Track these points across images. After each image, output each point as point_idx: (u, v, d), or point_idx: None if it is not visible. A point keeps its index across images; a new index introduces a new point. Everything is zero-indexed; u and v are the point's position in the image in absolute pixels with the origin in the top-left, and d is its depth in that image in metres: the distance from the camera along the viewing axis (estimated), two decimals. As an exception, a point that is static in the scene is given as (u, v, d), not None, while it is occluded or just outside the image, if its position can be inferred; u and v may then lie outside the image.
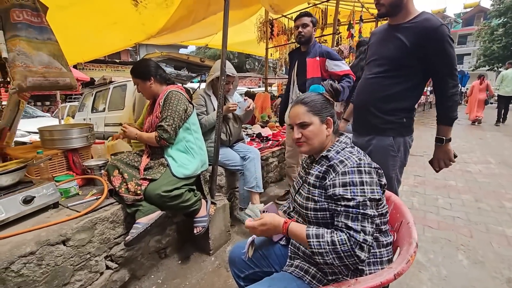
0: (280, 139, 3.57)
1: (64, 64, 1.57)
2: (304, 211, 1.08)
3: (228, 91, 2.48)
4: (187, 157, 1.89)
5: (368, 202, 0.92)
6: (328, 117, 1.12)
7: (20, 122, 2.13)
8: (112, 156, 2.03)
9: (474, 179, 3.62)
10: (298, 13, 2.57)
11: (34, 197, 1.46)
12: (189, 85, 5.69)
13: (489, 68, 20.14)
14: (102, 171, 1.90)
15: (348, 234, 0.89)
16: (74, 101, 9.77)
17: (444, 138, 1.52)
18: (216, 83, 2.43)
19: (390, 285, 1.70)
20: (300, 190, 1.17)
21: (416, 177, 3.70)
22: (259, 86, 18.79)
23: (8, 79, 1.98)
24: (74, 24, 3.04)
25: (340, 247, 0.87)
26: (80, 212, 1.51)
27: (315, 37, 2.57)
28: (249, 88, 13.61)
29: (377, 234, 1.04)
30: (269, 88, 5.73)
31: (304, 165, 1.28)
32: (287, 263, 1.18)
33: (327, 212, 1.01)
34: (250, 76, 19.77)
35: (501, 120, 8.49)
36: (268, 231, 1.08)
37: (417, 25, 1.40)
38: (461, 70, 18.60)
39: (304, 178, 1.19)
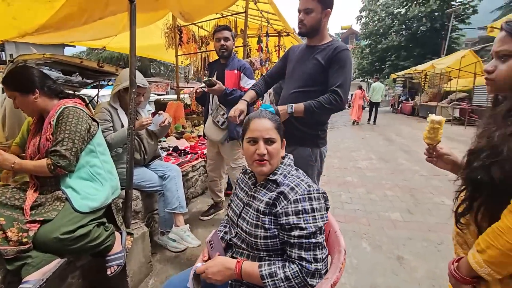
0: (199, 151, 3.43)
1: None
2: (253, 239, 1.03)
3: (139, 104, 2.22)
4: (93, 185, 1.56)
5: (318, 230, 0.95)
6: (284, 139, 1.14)
7: None
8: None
9: (364, 174, 4.38)
10: (209, 22, 2.55)
11: None
12: (83, 92, 4.85)
13: (362, 79, 25.08)
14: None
15: (300, 266, 0.91)
16: None
17: (293, 113, 1.61)
18: (123, 94, 2.13)
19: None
20: (243, 215, 1.12)
21: (322, 177, 4.18)
22: (167, 92, 17.81)
23: None
24: None
25: (294, 280, 0.90)
26: None
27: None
28: (158, 95, 12.71)
29: None
30: (181, 96, 5.46)
31: (243, 186, 1.23)
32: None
33: (278, 239, 1.00)
34: (156, 82, 18.51)
35: (372, 119, 11.32)
36: (219, 273, 0.99)
37: (331, 48, 1.61)
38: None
39: (246, 201, 1.14)
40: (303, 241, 0.93)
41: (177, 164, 2.75)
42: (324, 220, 0.98)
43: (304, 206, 0.96)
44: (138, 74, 2.03)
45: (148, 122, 2.07)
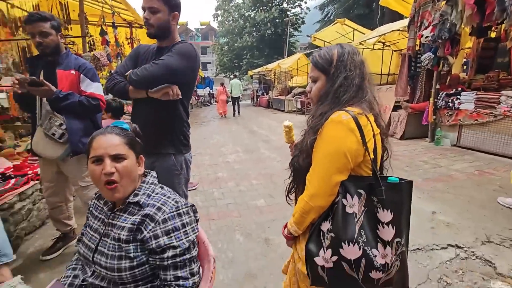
0: (30, 172, 2.62)
1: None
2: (117, 273, 0.90)
3: None
4: None
5: (191, 244, 0.94)
6: (141, 155, 1.04)
7: None
8: None
9: (232, 167, 4.67)
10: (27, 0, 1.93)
11: None
12: None
13: (224, 75, 26.64)
14: None
15: (177, 286, 0.89)
16: None
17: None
18: None
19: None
20: (101, 248, 0.95)
21: (194, 177, 4.16)
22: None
23: None
24: None
25: None
26: None
27: (64, 44, 2.07)
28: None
29: None
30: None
31: (97, 213, 1.04)
32: None
33: (146, 266, 0.92)
34: None
35: (236, 113, 12.68)
36: None
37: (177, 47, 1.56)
38: (207, 76, 23.25)
39: (103, 232, 0.98)
40: (177, 259, 0.90)
41: (-8, 196, 1.99)
42: (195, 232, 0.98)
43: (174, 224, 0.92)
44: None
45: None
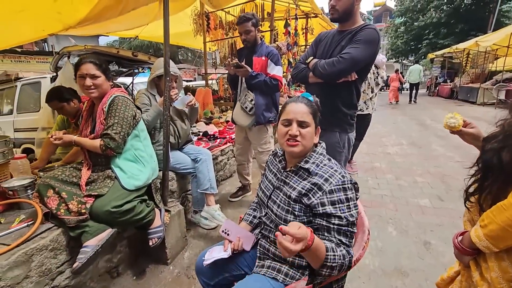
0: (227, 136, 3.57)
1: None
2: (283, 222, 1.08)
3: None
4: (137, 166, 1.75)
5: (355, 220, 0.99)
6: (318, 126, 1.15)
7: None
8: (42, 173, 1.74)
9: (393, 159, 4.27)
10: (236, 7, 2.56)
11: None
12: (119, 80, 5.16)
13: (395, 60, 23.56)
14: (30, 192, 1.63)
15: (346, 250, 0.95)
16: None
17: None
18: (158, 83, 2.28)
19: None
20: (273, 197, 1.17)
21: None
22: (195, 79, 18.16)
23: None
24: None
25: (345, 261, 0.93)
26: (10, 245, 1.28)
27: (261, 38, 2.61)
28: (186, 81, 13.04)
29: None
30: (209, 82, 5.60)
31: (273, 168, 1.27)
32: (257, 263, 1.21)
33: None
34: (184, 68, 18.91)
35: (412, 100, 12.06)
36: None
37: (357, 29, 1.61)
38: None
39: (277, 185, 1.19)
40: (342, 228, 0.97)
41: (207, 148, 2.90)
42: (357, 209, 1.02)
43: (339, 196, 0.99)
44: (171, 63, 2.15)
45: (176, 93, 2.16)
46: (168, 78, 1.99)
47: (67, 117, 2.64)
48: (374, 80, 3.42)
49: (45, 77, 4.13)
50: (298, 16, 4.63)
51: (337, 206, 0.99)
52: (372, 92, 3.45)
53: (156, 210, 1.91)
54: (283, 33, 4.43)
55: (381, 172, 3.74)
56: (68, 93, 2.54)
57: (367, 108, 3.51)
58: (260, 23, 4.80)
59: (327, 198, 1.00)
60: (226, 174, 3.56)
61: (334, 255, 0.92)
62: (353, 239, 1.02)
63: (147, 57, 3.97)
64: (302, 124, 1.08)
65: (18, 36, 3.34)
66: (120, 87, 1.82)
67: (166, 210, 2.01)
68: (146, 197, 1.84)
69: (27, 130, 4.20)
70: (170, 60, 2.14)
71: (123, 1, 3.00)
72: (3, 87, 4.77)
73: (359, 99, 1.78)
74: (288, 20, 4.30)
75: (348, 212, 0.99)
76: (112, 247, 1.82)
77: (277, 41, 4.41)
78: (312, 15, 5.79)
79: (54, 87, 2.74)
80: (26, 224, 1.45)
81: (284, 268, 1.11)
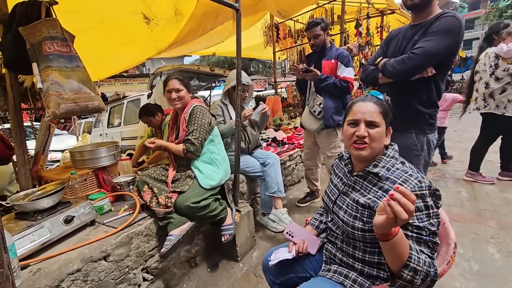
0: (296, 142, 3.60)
1: (92, 88, 1.66)
2: (350, 229, 1.02)
3: (244, 99, 2.53)
4: (213, 168, 1.94)
5: (436, 230, 0.87)
6: (390, 127, 1.05)
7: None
8: (140, 172, 2.11)
9: (497, 168, 3.54)
10: (304, 15, 2.60)
11: (74, 216, 1.54)
12: (199, 93, 5.79)
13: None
14: (131, 187, 1.98)
15: (429, 259, 0.83)
16: (88, 118, 10.05)
17: None
18: (232, 93, 2.49)
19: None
20: (339, 203, 1.12)
21: (435, 171, 3.65)
22: (265, 88, 18.82)
23: (38, 106, 2.11)
24: (89, 46, 3.16)
25: (430, 270, 0.82)
26: (116, 228, 1.58)
27: (330, 41, 2.60)
28: (257, 91, 13.68)
29: None
30: (278, 90, 5.75)
31: (338, 172, 1.21)
32: (323, 267, 1.19)
33: None
34: (255, 79, 19.84)
35: None
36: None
37: (432, 19, 1.45)
38: (471, 56, 18.22)
39: (342, 189, 1.13)
40: (423, 237, 0.85)
41: (276, 153, 2.99)
42: (438, 219, 0.89)
43: (416, 204, 0.85)
44: (243, 74, 2.33)
45: (250, 112, 2.35)
46: (240, 88, 2.16)
47: (154, 128, 3.15)
48: (491, 73, 2.89)
49: (143, 94, 4.96)
50: (370, 15, 4.36)
51: (414, 214, 0.84)
52: (486, 88, 2.94)
53: (228, 209, 2.06)
54: (354, 34, 4.24)
55: (479, 183, 3.15)
56: (154, 109, 3.03)
57: (485, 106, 3.00)
58: (330, 26, 4.76)
59: None
60: (294, 180, 3.57)
61: (419, 257, 0.80)
62: (436, 252, 0.90)
63: (222, 71, 4.37)
64: (371, 125, 0.99)
65: (125, 62, 4.15)
66: (199, 98, 2.06)
67: (237, 210, 2.16)
68: (219, 196, 2.01)
69: (130, 139, 5.09)
70: (242, 71, 2.32)
71: (203, 24, 3.41)
72: (114, 105, 5.91)
73: (441, 96, 1.57)
74: (360, 20, 4.11)
75: (427, 221, 0.86)
76: (191, 239, 2.05)
77: (348, 43, 4.25)
78: (388, 11, 5.37)
79: (144, 104, 3.30)
80: (128, 213, 1.78)
81: (352, 274, 1.06)
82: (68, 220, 1.51)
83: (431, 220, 0.87)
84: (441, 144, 3.95)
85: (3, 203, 1.48)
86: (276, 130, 4.27)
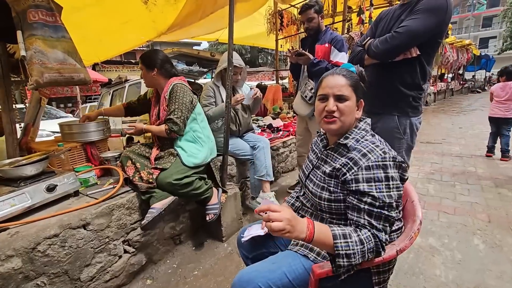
0: (291, 129, 3.57)
1: (78, 60, 1.66)
2: (318, 200, 1.04)
3: (237, 82, 2.52)
4: (196, 146, 1.94)
5: (394, 203, 0.88)
6: (361, 99, 1.05)
7: (45, 122, 2.29)
8: (126, 148, 2.13)
9: (495, 164, 3.47)
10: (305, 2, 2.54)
11: (57, 185, 1.57)
12: (201, 81, 5.77)
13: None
14: (118, 162, 2.00)
15: (371, 232, 0.86)
16: (94, 102, 10.17)
17: None
18: (224, 75, 2.47)
19: (401, 268, 1.71)
20: (311, 176, 1.13)
21: (433, 164, 3.59)
22: (272, 80, 18.71)
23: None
24: (88, 25, 3.16)
25: (367, 245, 0.84)
26: (98, 199, 1.61)
27: (326, 25, 2.54)
28: (261, 82, 13.60)
29: None
30: (280, 81, 5.70)
31: (315, 148, 1.22)
32: (292, 242, 1.20)
33: (342, 204, 0.97)
34: (263, 71, 19.70)
35: None
36: (287, 231, 0.80)
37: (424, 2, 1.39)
38: (485, 54, 17.67)
39: (315, 163, 1.14)
40: (374, 210, 0.87)
41: (269, 139, 2.97)
42: (399, 191, 0.90)
43: (377, 174, 0.88)
44: (235, 55, 2.31)
45: (242, 97, 2.34)
46: (230, 68, 2.14)
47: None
48: None
49: (144, 78, 4.97)
50: (376, 5, 4.25)
51: (372, 184, 0.88)
52: None
53: (214, 189, 2.07)
54: (356, 23, 4.14)
55: (475, 178, 3.10)
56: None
57: None
58: (333, 14, 4.65)
59: (362, 174, 0.90)
60: (288, 167, 3.56)
61: (347, 242, 0.84)
62: (390, 224, 0.90)
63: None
64: (339, 99, 0.99)
65: (125, 43, 4.14)
66: (180, 76, 2.02)
67: (224, 191, 2.17)
68: (205, 175, 2.02)
69: (130, 122, 5.13)
70: (235, 53, 2.29)
71: (202, 6, 3.36)
72: (116, 88, 5.95)
73: (426, 78, 1.53)
74: (363, 8, 4.00)
75: (386, 192, 0.87)
76: (176, 216, 2.07)
77: (350, 31, 4.16)
78: (397, 1, 5.22)
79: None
80: (112, 186, 1.80)
81: (317, 247, 1.07)
82: (50, 188, 1.53)
83: (391, 192, 0.88)
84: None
85: (-13, 169, 1.51)
86: (274, 119, 4.24)
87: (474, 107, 9.59)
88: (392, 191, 0.88)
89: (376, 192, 0.87)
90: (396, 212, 0.91)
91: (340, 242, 0.84)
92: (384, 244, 0.87)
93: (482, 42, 29.54)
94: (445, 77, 14.04)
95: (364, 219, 0.88)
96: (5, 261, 1.20)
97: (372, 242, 0.85)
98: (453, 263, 1.77)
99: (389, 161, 0.90)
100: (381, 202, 0.87)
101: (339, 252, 0.83)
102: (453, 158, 3.85)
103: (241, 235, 1.32)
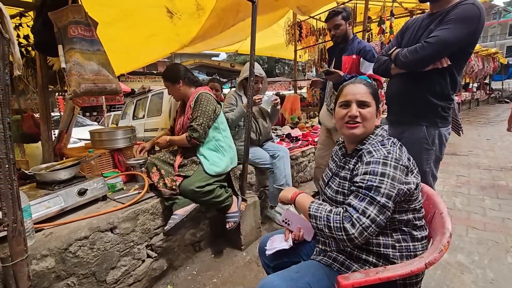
0: (310, 139, 3.56)
1: (111, 72, 1.77)
2: (334, 204, 1.06)
3: (258, 91, 2.56)
4: (218, 155, 1.98)
5: (383, 195, 0.88)
6: (380, 108, 1.10)
7: (73, 130, 2.42)
8: (151, 155, 2.20)
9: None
10: (327, 13, 2.54)
11: (87, 189, 1.65)
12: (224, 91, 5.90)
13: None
14: (143, 169, 2.08)
15: (344, 209, 0.91)
16: (118, 111, 10.60)
17: None
18: (246, 84, 2.52)
19: (427, 286, 1.64)
20: (330, 183, 1.15)
21: (459, 177, 3.44)
22: (289, 90, 18.75)
23: (65, 88, 2.28)
24: (117, 38, 3.35)
25: (333, 217, 0.90)
26: (124, 203, 1.67)
27: (353, 33, 2.48)
28: (279, 92, 13.68)
29: (410, 229, 1.01)
30: (298, 90, 5.72)
31: (335, 157, 1.24)
32: (315, 252, 1.19)
33: None
34: (280, 81, 19.81)
35: None
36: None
37: (450, 7, 1.37)
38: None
39: (335, 171, 1.16)
40: (360, 190, 0.91)
41: (288, 148, 2.97)
42: (396, 191, 0.89)
43: (374, 168, 0.91)
44: (256, 65, 2.36)
45: (259, 98, 2.34)
46: (252, 79, 2.19)
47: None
48: None
49: (166, 88, 5.16)
50: (397, 14, 4.22)
51: (367, 176, 0.91)
52: None
53: (234, 197, 2.10)
54: (377, 32, 4.12)
55: (506, 192, 2.93)
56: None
57: None
58: (353, 25, 4.65)
59: (362, 168, 0.94)
60: (307, 177, 3.53)
61: (318, 207, 0.96)
62: (376, 210, 0.87)
63: (242, 67, 4.44)
64: (362, 105, 1.03)
65: (149, 55, 4.34)
66: (206, 86, 2.11)
67: (243, 199, 2.18)
68: (225, 183, 2.05)
69: (152, 130, 5.31)
70: (256, 63, 2.35)
71: (224, 19, 3.49)
72: (140, 98, 6.21)
73: (456, 88, 1.49)
74: (384, 18, 3.98)
75: (379, 183, 0.89)
76: (196, 223, 2.10)
77: (371, 41, 4.14)
78: (418, 12, 5.15)
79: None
80: (137, 192, 1.87)
81: (341, 258, 1.06)
82: (81, 192, 1.62)
83: (383, 185, 0.88)
84: None
85: (26, 171, 1.62)
86: (292, 128, 4.25)
87: (503, 118, 9.12)
88: (386, 189, 0.88)
89: (365, 181, 0.91)
90: (388, 203, 0.88)
91: (313, 206, 0.97)
92: (356, 222, 0.86)
93: (509, 51, 28.33)
94: (470, 87, 13.53)
95: (348, 200, 0.93)
96: (40, 260, 1.27)
97: (339, 216, 0.89)
98: (485, 282, 1.67)
99: (390, 160, 0.92)
100: (369, 185, 0.90)
101: (310, 212, 0.96)
102: (481, 171, 3.67)
103: (264, 246, 1.33)
